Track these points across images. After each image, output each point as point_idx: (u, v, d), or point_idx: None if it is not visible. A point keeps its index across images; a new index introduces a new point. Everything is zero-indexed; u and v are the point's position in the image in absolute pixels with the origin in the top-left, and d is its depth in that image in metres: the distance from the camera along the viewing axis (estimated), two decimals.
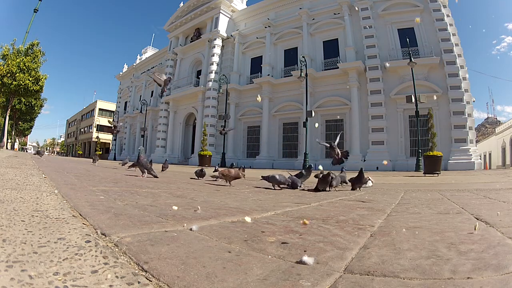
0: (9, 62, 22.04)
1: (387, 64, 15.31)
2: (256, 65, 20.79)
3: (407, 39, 14.45)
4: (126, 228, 1.20)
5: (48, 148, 79.16)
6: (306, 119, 14.50)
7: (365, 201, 2.62)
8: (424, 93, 13.17)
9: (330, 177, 3.37)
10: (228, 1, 22.34)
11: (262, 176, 3.84)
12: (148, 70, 31.36)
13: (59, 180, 3.07)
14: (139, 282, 0.72)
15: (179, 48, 25.01)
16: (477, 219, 1.70)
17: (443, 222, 1.60)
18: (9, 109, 24.90)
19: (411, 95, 12.62)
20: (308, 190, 3.60)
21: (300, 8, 19.19)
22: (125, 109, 34.93)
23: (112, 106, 45.69)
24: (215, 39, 22.02)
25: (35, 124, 42.39)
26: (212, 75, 21.33)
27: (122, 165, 8.42)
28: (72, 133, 62.35)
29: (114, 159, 29.38)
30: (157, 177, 4.69)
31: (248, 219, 1.50)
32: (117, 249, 0.94)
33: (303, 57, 15.59)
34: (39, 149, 11.97)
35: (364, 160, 14.72)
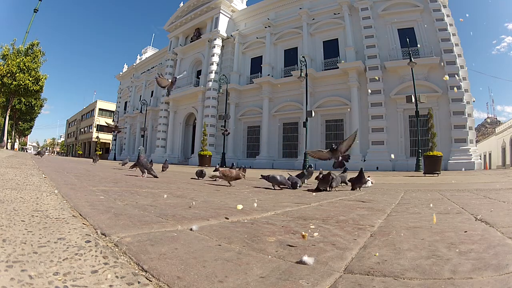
0: (9, 62, 22.05)
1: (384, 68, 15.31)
2: (256, 65, 20.80)
3: (407, 39, 14.45)
4: (126, 228, 1.20)
5: (48, 148, 79.15)
6: (306, 119, 14.50)
7: (365, 201, 2.62)
8: (424, 93, 13.18)
9: (330, 177, 3.37)
10: (228, 1, 22.34)
11: (261, 175, 3.83)
12: (148, 70, 31.41)
13: (59, 180, 3.07)
14: (139, 282, 0.72)
15: (179, 48, 25.02)
16: (477, 219, 1.70)
17: (443, 222, 1.60)
18: (9, 109, 24.91)
19: (411, 95, 12.62)
20: (308, 190, 3.60)
21: (300, 8, 19.20)
22: (125, 109, 34.95)
23: (112, 106, 45.70)
24: (215, 39, 22.02)
25: (35, 124, 42.46)
26: (212, 75, 21.34)
27: (122, 165, 8.42)
28: (72, 133, 62.36)
29: (114, 159, 29.39)
30: (157, 177, 4.69)
31: (240, 206, 1.53)
32: (117, 249, 0.94)
33: (303, 57, 15.59)
34: (39, 150, 11.97)
35: (364, 160, 14.72)
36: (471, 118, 14.39)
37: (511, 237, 1.25)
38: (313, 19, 18.87)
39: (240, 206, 1.80)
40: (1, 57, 22.65)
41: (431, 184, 5.30)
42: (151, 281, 0.73)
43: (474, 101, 14.96)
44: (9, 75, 21.97)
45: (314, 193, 3.26)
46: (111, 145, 39.93)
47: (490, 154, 35.17)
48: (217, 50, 21.98)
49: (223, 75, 19.45)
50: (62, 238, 0.99)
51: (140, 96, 31.16)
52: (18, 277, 0.67)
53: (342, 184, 3.90)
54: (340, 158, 3.76)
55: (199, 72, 23.33)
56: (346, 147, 3.88)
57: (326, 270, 0.85)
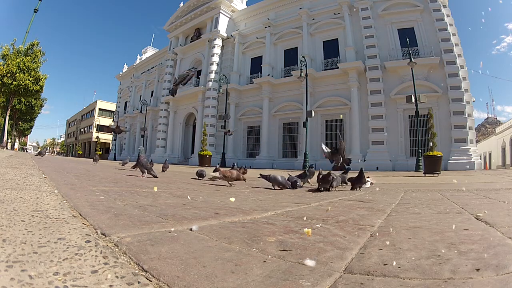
0: (9, 62, 22.07)
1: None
2: (256, 65, 20.80)
3: (407, 39, 14.46)
4: (126, 228, 1.20)
5: (48, 148, 79.14)
6: (306, 119, 14.50)
7: (365, 201, 2.62)
8: (424, 93, 13.18)
9: (330, 177, 3.37)
10: (228, 1, 22.35)
11: (260, 174, 3.83)
12: (148, 70, 31.41)
13: (59, 180, 3.07)
14: (139, 282, 0.72)
15: (179, 48, 25.02)
16: (477, 219, 1.71)
17: (443, 222, 1.60)
18: (9, 109, 24.93)
19: (411, 95, 12.62)
20: (308, 190, 3.60)
21: (300, 8, 19.20)
22: (125, 109, 34.95)
23: (112, 106, 45.70)
24: (215, 39, 22.03)
25: (35, 124, 42.50)
26: (212, 75, 21.34)
27: (122, 165, 8.42)
28: (72, 133, 62.36)
29: (114, 159, 29.39)
30: (157, 177, 4.69)
31: (232, 199, 1.54)
32: (117, 249, 0.94)
33: (303, 57, 15.59)
34: (40, 150, 11.98)
35: (364, 160, 14.72)
36: (471, 118, 14.39)
37: (511, 237, 1.25)
38: (313, 19, 18.86)
39: (232, 199, 1.83)
40: (1, 57, 22.66)
41: (431, 184, 5.30)
42: (151, 281, 0.73)
43: (474, 101, 14.98)
44: (9, 75, 21.98)
45: (314, 193, 3.26)
46: (111, 145, 39.94)
47: (490, 154, 35.17)
48: (217, 50, 21.98)
49: (223, 75, 19.45)
50: (62, 238, 0.99)
51: (140, 96, 31.16)
52: (18, 277, 0.67)
53: (342, 184, 3.90)
54: (341, 160, 3.77)
55: (199, 72, 23.31)
56: (342, 151, 3.95)
57: (326, 270, 0.85)
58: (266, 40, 20.32)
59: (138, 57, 37.20)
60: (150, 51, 37.08)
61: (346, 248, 1.08)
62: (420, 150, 12.03)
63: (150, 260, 0.85)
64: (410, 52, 13.69)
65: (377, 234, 1.33)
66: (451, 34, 15.07)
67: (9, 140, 34.20)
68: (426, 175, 8.97)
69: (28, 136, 56.71)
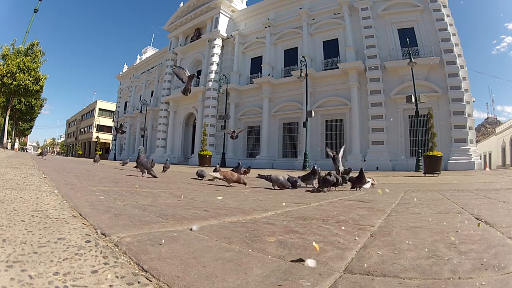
0: (9, 62, 22.06)
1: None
2: (256, 65, 20.79)
3: (407, 39, 14.46)
4: (126, 228, 1.20)
5: (48, 148, 79.13)
6: (306, 119, 14.50)
7: (365, 201, 2.62)
8: (424, 93, 13.18)
9: (331, 178, 3.37)
10: (228, 1, 22.34)
11: (258, 174, 3.82)
12: (148, 70, 31.42)
13: (59, 180, 3.07)
14: (139, 282, 0.72)
15: (179, 48, 25.02)
16: (477, 219, 1.70)
17: (443, 222, 1.60)
18: (9, 109, 24.92)
19: (411, 95, 12.62)
20: (308, 190, 3.60)
21: (300, 8, 19.20)
22: (125, 109, 34.95)
23: (112, 106, 45.70)
24: (215, 39, 22.02)
25: (35, 124, 42.51)
26: (212, 75, 21.34)
27: (123, 165, 8.42)
28: (72, 133, 62.36)
29: (114, 159, 29.40)
30: (156, 177, 4.69)
31: (219, 198, 1.55)
32: (117, 249, 0.94)
33: (303, 57, 15.60)
34: (42, 151, 11.94)
35: (364, 160, 14.72)
36: (471, 118, 14.39)
37: (511, 237, 1.26)
38: (313, 19, 18.87)
39: (219, 197, 1.86)
40: (1, 57, 22.66)
41: (431, 184, 5.30)
42: (151, 281, 0.73)
43: (474, 101, 14.98)
44: (9, 75, 21.98)
45: (314, 193, 3.26)
46: (111, 145, 39.94)
47: (490, 154, 35.17)
48: (217, 50, 21.98)
49: (223, 75, 19.44)
50: (62, 238, 0.99)
51: (140, 96, 31.16)
52: (18, 277, 0.67)
53: (342, 184, 3.90)
54: (342, 168, 3.77)
55: (199, 72, 23.29)
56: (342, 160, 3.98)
57: (326, 270, 0.85)
58: (266, 40, 20.32)
59: (138, 57, 37.20)
60: (150, 51, 37.08)
61: (346, 248, 1.08)
62: (420, 150, 12.03)
63: (150, 260, 0.85)
64: (410, 52, 13.69)
65: (377, 234, 1.33)
66: (451, 34, 15.07)
67: (9, 140, 34.20)
68: (426, 175, 8.98)
69: (28, 136, 56.73)
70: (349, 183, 3.86)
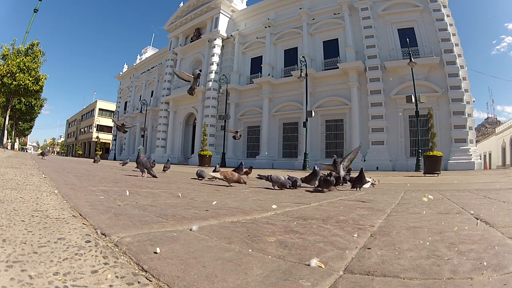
0: (9, 62, 22.07)
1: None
2: (256, 65, 20.79)
3: (407, 39, 14.45)
4: (126, 228, 1.20)
5: (48, 148, 79.14)
6: (306, 119, 14.50)
7: (365, 201, 2.62)
8: (424, 93, 13.17)
9: (332, 178, 3.37)
10: (228, 1, 22.34)
11: (258, 175, 3.82)
12: (148, 70, 31.42)
13: (59, 180, 3.07)
14: (139, 282, 0.72)
15: (179, 48, 25.02)
16: (477, 219, 1.70)
17: (443, 222, 1.60)
18: (9, 109, 24.92)
19: (411, 95, 12.62)
20: (309, 190, 3.60)
21: (300, 8, 19.20)
22: (125, 109, 34.95)
23: (112, 106, 45.71)
24: (215, 39, 22.02)
25: (35, 124, 42.53)
26: (212, 75, 21.34)
27: (123, 165, 8.42)
28: (72, 133, 62.36)
29: (114, 159, 29.41)
30: (156, 177, 4.69)
31: (214, 202, 1.53)
32: (117, 249, 0.94)
33: (303, 57, 15.60)
34: (43, 151, 11.88)
35: (364, 160, 14.72)
36: (471, 118, 14.39)
37: (511, 237, 1.25)
38: (313, 19, 18.86)
39: (214, 202, 1.87)
40: (1, 57, 22.66)
41: (431, 184, 5.30)
42: (151, 281, 0.73)
43: (474, 101, 14.98)
44: (9, 75, 21.98)
45: (314, 193, 3.26)
46: (111, 145, 39.93)
47: (490, 154, 35.18)
48: (217, 50, 21.98)
49: (223, 75, 19.44)
50: (62, 238, 0.99)
51: (140, 96, 31.16)
52: (18, 277, 0.67)
53: (343, 184, 3.90)
54: (342, 173, 3.74)
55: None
56: (348, 162, 3.90)
57: (326, 270, 0.85)
58: (266, 40, 20.32)
59: (138, 57, 37.19)
60: (150, 51, 37.08)
61: (346, 248, 1.08)
62: (420, 150, 12.03)
63: (150, 260, 0.85)
64: (410, 52, 13.69)
65: (377, 234, 1.33)
66: (451, 34, 15.07)
67: (9, 140, 34.20)
68: (426, 175, 8.98)
69: (28, 136, 56.75)
70: (349, 183, 3.86)
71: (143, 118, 26.42)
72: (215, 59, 21.83)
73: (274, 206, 2.07)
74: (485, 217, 1.74)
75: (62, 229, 1.11)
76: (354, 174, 3.87)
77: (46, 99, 34.95)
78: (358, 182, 3.63)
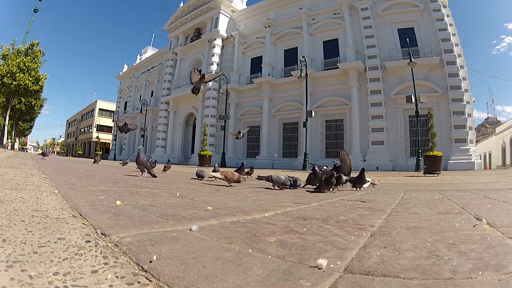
0: (9, 62, 22.07)
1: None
2: (256, 65, 20.79)
3: (407, 39, 14.45)
4: (126, 228, 1.20)
5: (49, 149, 79.16)
6: (306, 119, 14.50)
7: (365, 201, 2.62)
8: (424, 93, 13.18)
9: (332, 178, 3.36)
10: (228, 1, 22.34)
11: (258, 176, 3.82)
12: (148, 70, 31.42)
13: (59, 180, 3.07)
14: (139, 282, 0.72)
15: (179, 48, 25.02)
16: (477, 219, 1.70)
17: (443, 222, 1.60)
18: (9, 109, 24.92)
19: (411, 95, 12.62)
20: (309, 190, 3.60)
21: (300, 8, 19.20)
22: (125, 109, 34.94)
23: (112, 106, 45.70)
24: (215, 39, 22.02)
25: (35, 124, 42.52)
26: None
27: (123, 165, 8.41)
28: (72, 133, 62.35)
29: (114, 159, 29.41)
30: (156, 177, 4.69)
31: (209, 208, 1.53)
32: (117, 249, 0.94)
33: (303, 57, 15.59)
34: (43, 151, 11.85)
35: (364, 160, 14.72)
36: (471, 118, 14.39)
37: (511, 237, 1.25)
38: (313, 19, 18.86)
39: (209, 208, 1.87)
40: (1, 57, 22.66)
41: (431, 184, 5.30)
42: (151, 281, 0.73)
43: (474, 101, 14.98)
44: (9, 75, 21.98)
45: (314, 193, 3.26)
46: (111, 145, 39.93)
47: (490, 154, 35.17)
48: (217, 50, 21.98)
49: (223, 75, 19.44)
50: (62, 238, 0.99)
51: (140, 96, 31.16)
52: (18, 277, 0.67)
53: (343, 184, 3.89)
54: (344, 179, 3.73)
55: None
56: (348, 169, 3.87)
57: (326, 270, 0.85)
58: (266, 40, 20.31)
59: (138, 57, 37.19)
60: (150, 51, 37.07)
61: (346, 248, 1.08)
62: (420, 150, 12.03)
63: (150, 260, 0.85)
64: (410, 52, 13.69)
65: (377, 234, 1.33)
66: (451, 34, 15.06)
67: (9, 140, 34.19)
68: (426, 175, 8.97)
69: (28, 136, 56.75)
70: (349, 183, 3.86)
71: (143, 118, 26.42)
72: (215, 59, 21.83)
73: (284, 203, 2.07)
74: (485, 217, 1.74)
75: (62, 229, 1.11)
76: (354, 174, 3.87)
77: (46, 99, 35.00)
78: (358, 182, 3.64)
